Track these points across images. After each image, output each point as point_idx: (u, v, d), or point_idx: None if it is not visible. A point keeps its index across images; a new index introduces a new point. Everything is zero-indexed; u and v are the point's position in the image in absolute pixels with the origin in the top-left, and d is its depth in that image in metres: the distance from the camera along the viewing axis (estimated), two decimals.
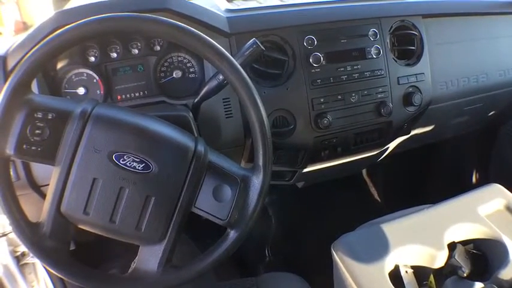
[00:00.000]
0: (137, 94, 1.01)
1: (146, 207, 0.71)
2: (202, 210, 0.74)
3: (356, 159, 1.32)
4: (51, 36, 0.68)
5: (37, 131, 0.69)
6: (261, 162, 0.76)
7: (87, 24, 0.69)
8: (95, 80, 0.98)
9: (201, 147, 0.76)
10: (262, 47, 0.87)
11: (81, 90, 0.97)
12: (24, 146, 0.68)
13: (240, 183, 0.75)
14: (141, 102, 1.01)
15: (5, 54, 0.92)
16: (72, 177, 0.69)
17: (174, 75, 1.02)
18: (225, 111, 0.98)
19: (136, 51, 1.00)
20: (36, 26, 0.96)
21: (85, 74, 0.98)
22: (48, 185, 0.71)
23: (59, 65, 0.95)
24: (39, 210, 1.05)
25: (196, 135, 0.87)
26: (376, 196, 1.90)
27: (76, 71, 0.97)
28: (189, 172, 0.73)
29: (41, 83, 0.90)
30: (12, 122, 0.68)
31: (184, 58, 1.04)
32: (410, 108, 1.19)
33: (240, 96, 0.75)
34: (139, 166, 0.71)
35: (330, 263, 0.94)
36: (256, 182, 0.75)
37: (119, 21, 0.69)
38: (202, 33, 0.73)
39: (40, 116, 0.69)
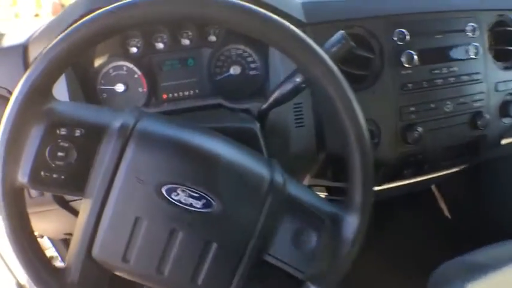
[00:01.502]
0: (187, 93, 0.87)
1: (205, 256, 0.53)
2: (278, 260, 0.56)
3: (437, 176, 1.14)
4: (81, 21, 0.49)
5: (60, 154, 0.50)
6: (358, 198, 0.57)
7: (134, 7, 0.49)
8: (136, 75, 0.84)
9: (278, 177, 0.57)
10: (352, 42, 0.66)
11: (119, 87, 0.83)
12: (43, 173, 0.50)
13: (328, 225, 0.57)
14: (193, 104, 0.84)
15: (26, 42, 0.78)
16: (108, 214, 0.51)
17: (231, 72, 0.86)
18: (296, 119, 0.81)
19: (187, 41, 0.86)
20: (66, 8, 0.78)
21: (125, 68, 0.83)
22: (79, 199, 0.54)
23: (94, 56, 0.82)
24: (67, 226, 0.89)
25: (265, 154, 0.69)
26: (446, 212, 1.67)
27: (114, 63, 0.83)
28: (263, 210, 0.55)
29: (69, 77, 0.75)
30: (26, 140, 0.50)
31: (244, 51, 0.89)
32: (507, 120, 1.03)
33: (335, 107, 0.56)
34: (197, 203, 0.52)
35: None
36: (351, 224, 0.57)
37: (183, 5, 0.49)
38: (284, 21, 0.53)
39: (64, 133, 0.50)
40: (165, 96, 0.86)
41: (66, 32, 0.49)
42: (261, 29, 0.53)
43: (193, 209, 0.52)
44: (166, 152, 0.53)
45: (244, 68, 0.88)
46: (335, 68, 0.56)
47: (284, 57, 0.82)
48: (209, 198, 0.53)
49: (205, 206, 0.53)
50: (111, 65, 0.83)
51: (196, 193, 0.52)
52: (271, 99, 0.74)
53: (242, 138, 0.62)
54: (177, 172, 0.52)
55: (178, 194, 0.52)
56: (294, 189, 0.58)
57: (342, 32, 0.69)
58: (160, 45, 0.84)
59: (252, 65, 0.88)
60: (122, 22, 0.49)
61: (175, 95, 0.86)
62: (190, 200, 0.52)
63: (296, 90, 0.72)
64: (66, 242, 1.21)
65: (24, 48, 0.76)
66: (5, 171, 0.50)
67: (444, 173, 1.14)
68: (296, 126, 0.81)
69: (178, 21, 0.53)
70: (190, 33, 0.85)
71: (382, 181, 1.04)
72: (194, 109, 0.82)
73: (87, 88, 0.81)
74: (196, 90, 0.87)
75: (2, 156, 0.49)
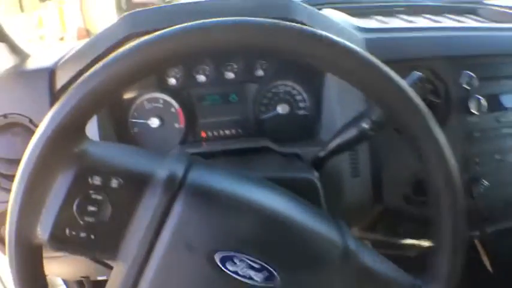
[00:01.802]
0: (228, 132, 0.79)
1: None
2: None
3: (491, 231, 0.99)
4: (135, 44, 0.40)
5: (91, 208, 0.41)
6: (445, 267, 0.48)
7: (204, 30, 0.40)
8: (173, 109, 0.77)
9: (351, 243, 0.48)
10: (427, 84, 0.57)
11: (154, 122, 0.76)
12: (67, 231, 0.41)
13: None
14: (235, 145, 0.74)
15: (53, 66, 0.70)
16: (146, 285, 0.41)
17: (278, 111, 0.78)
18: (351, 168, 0.73)
19: (231, 75, 0.78)
20: (101, 31, 0.71)
21: (161, 101, 0.77)
22: None
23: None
24: (85, 269, 0.79)
25: (325, 209, 0.60)
26: (488, 266, 1.54)
27: (149, 95, 0.76)
28: (335, 284, 0.46)
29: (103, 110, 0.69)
30: (50, 189, 0.41)
31: (293, 88, 0.81)
32: None
33: (424, 155, 0.47)
34: (257, 276, 0.43)
35: None
36: None
37: (258, 31, 0.41)
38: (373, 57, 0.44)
39: (98, 183, 0.41)
40: (203, 134, 0.79)
41: (113, 56, 0.40)
42: (348, 64, 0.43)
43: (253, 282, 0.42)
44: (222, 211, 0.43)
45: (293, 107, 0.80)
46: (428, 113, 0.47)
47: (342, 97, 0.75)
48: (272, 270, 0.43)
49: (267, 279, 0.43)
50: (145, 97, 0.76)
51: (256, 263, 0.42)
52: (331, 146, 0.64)
53: (300, 191, 0.53)
54: (235, 237, 0.43)
55: (235, 264, 0.42)
56: (368, 257, 0.49)
57: (418, 73, 0.60)
58: (201, 78, 0.77)
59: (301, 104, 0.81)
60: (184, 49, 0.40)
61: (215, 133, 0.79)
62: (250, 272, 0.42)
63: (362, 138, 0.62)
64: (81, 284, 1.11)
65: (50, 73, 0.68)
66: (19, 226, 0.40)
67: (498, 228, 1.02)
68: (351, 176, 0.73)
69: (251, 52, 0.44)
70: (235, 66, 0.78)
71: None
72: (237, 151, 0.73)
73: (117, 120, 0.76)
74: (239, 130, 0.79)
75: (18, 205, 0.40)
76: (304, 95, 0.81)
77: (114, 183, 0.42)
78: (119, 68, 0.39)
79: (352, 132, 0.62)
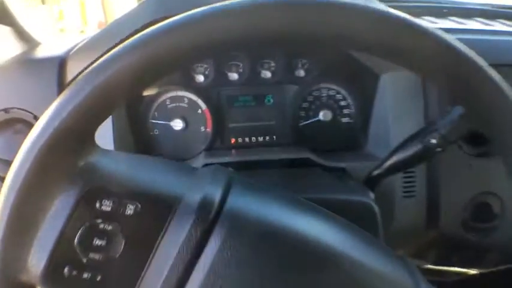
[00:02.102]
0: (261, 139, 0.71)
1: None
2: None
3: None
4: (154, 28, 0.30)
5: (98, 242, 0.31)
6: None
7: (257, 8, 0.29)
8: (199, 110, 0.69)
9: None
10: None
11: (177, 124, 0.68)
12: (67, 270, 0.30)
13: None
14: (271, 155, 0.65)
15: (64, 55, 0.61)
16: None
17: (320, 117, 0.71)
18: (405, 187, 0.65)
19: (268, 74, 0.70)
20: (120, 16, 0.63)
21: (186, 100, 0.69)
22: None
23: None
24: None
25: (382, 238, 0.51)
26: None
27: (173, 93, 0.69)
28: None
29: (119, 107, 0.61)
30: (44, 215, 0.30)
31: (338, 93, 0.72)
32: None
33: None
34: None
35: None
36: None
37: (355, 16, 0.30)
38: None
39: (108, 209, 0.31)
40: (233, 140, 0.70)
41: (138, 37, 0.29)
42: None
43: None
44: (270, 249, 0.33)
45: (336, 114, 0.72)
46: None
47: (398, 105, 0.64)
48: None
49: None
50: (169, 95, 0.68)
51: None
52: (388, 162, 0.54)
53: (354, 217, 0.43)
54: (285, 281, 0.32)
55: None
56: None
57: None
58: (234, 76, 0.69)
59: (345, 111, 0.72)
60: (232, 34, 0.30)
61: (247, 140, 0.71)
62: None
63: (427, 155, 0.53)
64: None
65: (61, 63, 0.60)
66: (4, 261, 0.30)
67: None
68: (404, 196, 0.66)
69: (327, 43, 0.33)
70: (272, 64, 0.69)
71: (496, 265, 0.84)
72: (273, 163, 0.62)
73: (136, 120, 0.67)
74: (274, 137, 0.71)
75: (2, 234, 0.30)
76: (350, 101, 0.72)
77: (130, 209, 0.31)
78: (143, 55, 0.29)
79: (415, 148, 0.53)
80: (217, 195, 0.33)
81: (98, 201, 0.31)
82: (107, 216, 0.30)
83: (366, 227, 0.43)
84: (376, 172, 0.56)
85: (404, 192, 0.65)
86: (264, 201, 0.35)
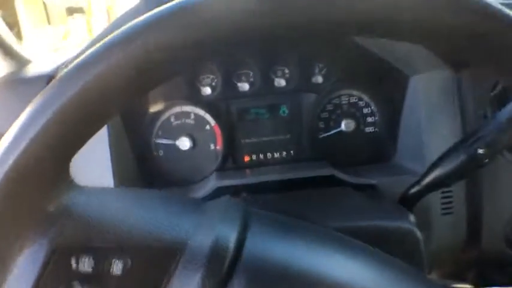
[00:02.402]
0: (277, 155, 0.66)
1: None
2: None
3: None
4: (151, 14, 0.22)
5: None
6: None
7: None
8: (208, 127, 0.64)
9: None
10: None
11: (184, 143, 0.63)
12: None
13: None
14: (291, 174, 0.58)
15: (53, 72, 0.59)
16: None
17: (342, 128, 0.65)
18: (443, 203, 0.59)
19: (282, 81, 0.65)
20: (116, 18, 0.60)
21: (193, 116, 0.64)
22: None
23: (150, 96, 0.64)
24: None
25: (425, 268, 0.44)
26: None
27: (178, 109, 0.64)
28: None
29: (112, 124, 0.56)
30: (4, 279, 0.23)
31: (360, 99, 0.66)
32: None
33: None
34: None
35: None
36: None
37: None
38: None
39: (88, 270, 0.24)
40: (246, 158, 0.65)
41: (137, 23, 0.22)
42: None
43: None
44: None
45: (359, 124, 0.66)
46: None
47: (433, 110, 0.57)
48: None
49: None
50: (173, 111, 0.64)
51: None
52: (428, 178, 0.48)
53: (394, 245, 0.36)
54: None
55: None
56: None
57: None
58: (244, 86, 0.64)
59: (369, 119, 0.67)
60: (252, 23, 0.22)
61: (261, 157, 0.65)
62: None
63: (473, 167, 0.46)
64: None
65: (49, 80, 0.57)
66: None
67: None
68: (442, 213, 0.60)
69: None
70: (287, 71, 0.64)
71: None
72: (293, 183, 0.56)
73: (138, 141, 0.62)
74: (291, 152, 0.66)
75: None
76: (374, 108, 0.66)
77: (118, 267, 0.24)
78: (123, 55, 0.22)
79: (458, 161, 0.46)
80: (232, 238, 0.26)
81: (73, 258, 0.23)
82: (86, 279, 0.23)
83: (409, 257, 0.36)
84: (414, 190, 0.49)
85: (442, 209, 0.59)
86: (289, 242, 0.28)
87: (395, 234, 0.42)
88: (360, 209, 0.47)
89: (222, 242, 0.25)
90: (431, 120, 0.58)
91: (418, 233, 0.43)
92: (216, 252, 0.25)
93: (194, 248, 0.25)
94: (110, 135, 0.54)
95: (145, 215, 0.26)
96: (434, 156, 0.53)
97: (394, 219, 0.43)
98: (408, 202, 0.51)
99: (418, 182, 0.50)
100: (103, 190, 0.27)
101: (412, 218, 0.46)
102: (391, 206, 0.48)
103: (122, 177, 0.54)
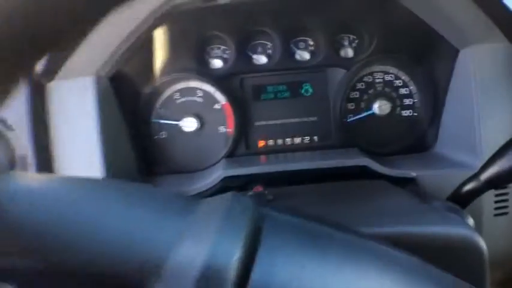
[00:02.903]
0: (298, 140, 0.60)
1: None
2: None
3: None
4: None
5: None
6: None
7: None
8: (217, 105, 0.58)
9: None
10: None
11: (189, 123, 0.57)
12: None
13: None
14: (313, 163, 0.51)
15: None
16: None
17: (375, 110, 0.59)
18: (496, 203, 0.53)
19: (305, 55, 0.59)
20: None
21: (200, 92, 0.58)
22: None
23: (150, 69, 0.58)
24: None
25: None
26: None
27: (183, 84, 0.58)
28: None
29: (104, 101, 0.49)
30: None
31: (397, 78, 0.59)
32: None
33: None
34: None
35: None
36: None
37: None
38: None
39: None
40: (261, 143, 0.59)
41: None
42: None
43: None
44: None
45: (395, 106, 0.59)
46: None
47: (488, 91, 0.49)
48: None
49: None
50: (177, 87, 0.58)
51: None
52: (487, 173, 0.42)
53: (451, 257, 0.33)
54: None
55: None
56: None
57: None
58: (261, 59, 0.58)
59: (407, 101, 0.60)
60: None
61: (279, 142, 0.59)
62: None
63: None
64: None
65: None
66: None
67: None
68: (495, 214, 0.54)
69: None
70: (311, 43, 0.58)
71: None
72: (317, 174, 0.48)
73: (135, 121, 0.57)
74: (315, 138, 0.59)
75: None
76: (413, 87, 0.60)
77: None
78: None
79: None
80: (234, 255, 0.19)
81: None
82: None
83: (468, 273, 0.30)
84: (469, 186, 0.40)
85: (496, 209, 0.54)
86: (318, 263, 0.20)
87: (454, 244, 0.33)
88: (404, 210, 0.38)
89: (219, 262, 0.18)
90: (485, 102, 0.50)
91: (483, 244, 0.35)
92: (209, 276, 0.18)
93: (175, 270, 0.18)
94: (99, 113, 0.48)
95: (95, 222, 0.17)
96: (489, 145, 0.48)
97: (452, 224, 0.34)
98: (461, 200, 0.43)
99: (475, 177, 0.43)
100: (40, 178, 0.19)
101: (471, 221, 0.38)
102: (443, 205, 0.40)
103: (114, 164, 0.47)
